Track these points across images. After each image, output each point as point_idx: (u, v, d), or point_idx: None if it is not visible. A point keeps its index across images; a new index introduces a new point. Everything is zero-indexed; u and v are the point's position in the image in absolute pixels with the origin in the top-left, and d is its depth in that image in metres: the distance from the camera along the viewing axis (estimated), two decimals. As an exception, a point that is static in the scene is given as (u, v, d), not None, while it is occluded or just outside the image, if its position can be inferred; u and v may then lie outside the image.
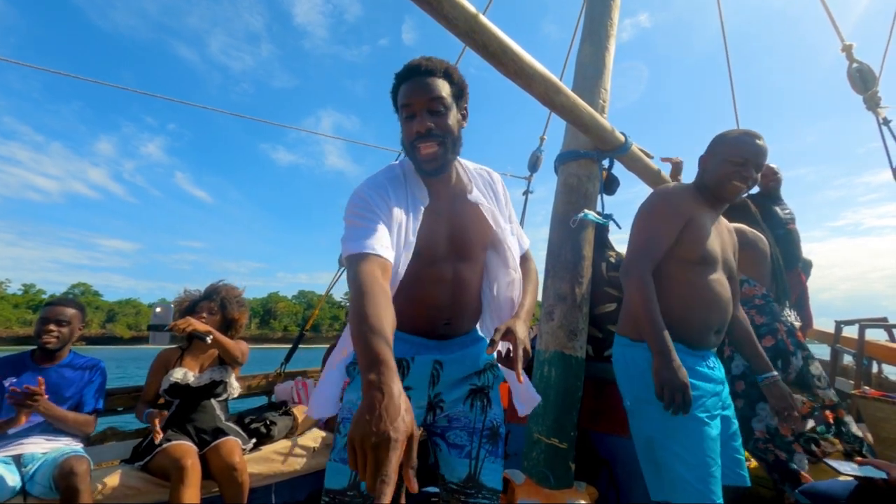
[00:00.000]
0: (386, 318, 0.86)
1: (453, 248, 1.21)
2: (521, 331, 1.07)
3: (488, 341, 1.23)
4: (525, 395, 1.31)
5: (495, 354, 1.15)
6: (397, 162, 1.25)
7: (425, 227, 1.15)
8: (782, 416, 1.58)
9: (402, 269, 1.10)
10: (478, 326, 1.34)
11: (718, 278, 1.54)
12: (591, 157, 2.36)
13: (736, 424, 1.58)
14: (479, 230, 1.24)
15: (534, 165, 4.67)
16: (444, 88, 1.12)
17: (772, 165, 3.60)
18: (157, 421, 2.11)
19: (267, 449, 2.47)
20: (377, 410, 0.68)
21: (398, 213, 1.10)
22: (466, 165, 1.29)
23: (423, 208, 1.15)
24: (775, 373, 1.63)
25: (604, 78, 2.51)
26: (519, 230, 1.38)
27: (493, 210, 1.25)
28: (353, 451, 0.68)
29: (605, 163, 2.46)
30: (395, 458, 0.65)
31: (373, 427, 0.66)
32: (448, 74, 1.14)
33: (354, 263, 0.97)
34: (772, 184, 3.55)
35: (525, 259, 1.38)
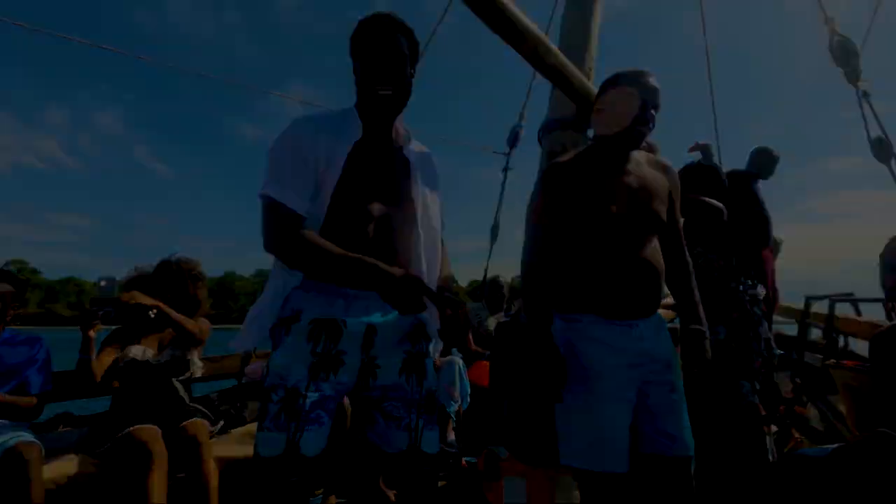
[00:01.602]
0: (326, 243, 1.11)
1: (387, 189, 1.25)
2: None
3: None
4: None
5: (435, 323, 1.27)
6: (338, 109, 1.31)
7: (359, 163, 1.20)
8: (687, 371, 1.46)
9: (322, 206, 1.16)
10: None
11: (628, 240, 1.42)
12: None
13: (674, 396, 1.42)
14: (407, 181, 1.31)
15: (513, 141, 4.59)
16: (408, 50, 1.24)
17: (775, 152, 3.78)
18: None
19: (237, 431, 2.35)
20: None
21: (326, 147, 1.17)
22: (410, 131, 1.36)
23: (354, 142, 1.21)
24: (704, 329, 1.48)
25: (590, 44, 2.44)
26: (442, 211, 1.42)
27: (419, 173, 1.33)
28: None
29: (591, 132, 2.40)
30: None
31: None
32: (413, 38, 1.26)
33: (284, 221, 1.13)
34: (770, 164, 3.78)
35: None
